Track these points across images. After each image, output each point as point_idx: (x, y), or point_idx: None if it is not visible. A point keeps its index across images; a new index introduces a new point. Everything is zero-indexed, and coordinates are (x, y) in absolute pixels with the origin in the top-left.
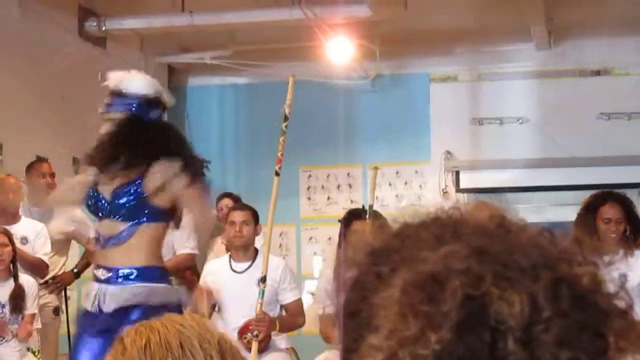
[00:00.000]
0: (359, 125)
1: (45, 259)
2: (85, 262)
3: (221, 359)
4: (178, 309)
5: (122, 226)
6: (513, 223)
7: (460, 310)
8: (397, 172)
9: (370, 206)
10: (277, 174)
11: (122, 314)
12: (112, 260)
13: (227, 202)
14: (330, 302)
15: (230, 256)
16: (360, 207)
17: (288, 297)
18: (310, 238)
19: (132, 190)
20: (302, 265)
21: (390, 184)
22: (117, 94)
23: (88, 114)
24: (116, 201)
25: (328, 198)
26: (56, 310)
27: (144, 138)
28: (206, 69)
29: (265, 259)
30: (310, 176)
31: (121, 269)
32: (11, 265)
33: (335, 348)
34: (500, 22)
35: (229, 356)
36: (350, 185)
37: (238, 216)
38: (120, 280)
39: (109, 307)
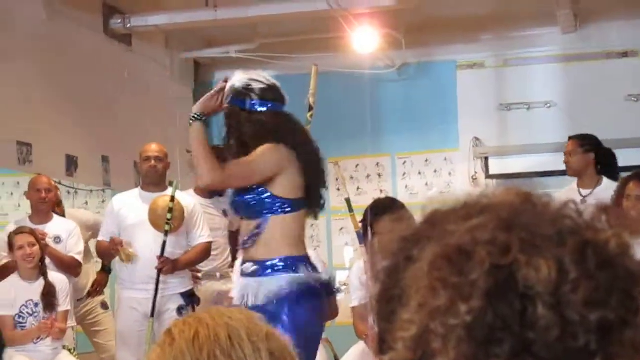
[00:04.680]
0: (387, 114)
1: (79, 257)
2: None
3: (269, 353)
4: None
5: (253, 223)
6: (539, 198)
7: (488, 278)
8: (426, 160)
9: (347, 199)
10: None
11: (273, 307)
12: (255, 254)
13: None
14: (364, 293)
15: None
16: (388, 196)
17: None
18: (341, 229)
19: (251, 187)
20: (333, 256)
21: (419, 173)
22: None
23: (115, 112)
24: (238, 199)
25: (357, 188)
26: (104, 305)
27: (243, 130)
28: (232, 63)
29: None
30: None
31: (267, 261)
32: (40, 264)
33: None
34: (525, 6)
35: (276, 350)
36: (379, 175)
37: None
38: (268, 272)
39: (257, 300)
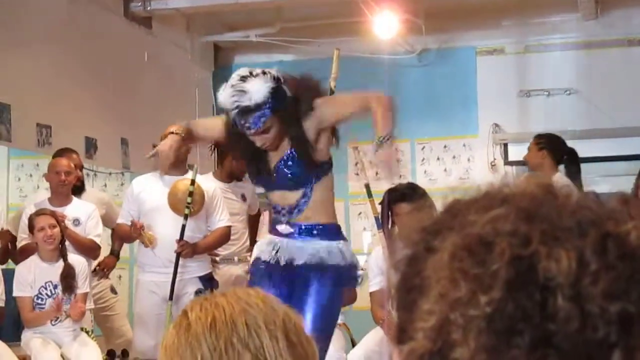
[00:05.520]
0: (406, 100)
1: (97, 240)
2: (119, 243)
3: (286, 340)
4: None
5: (296, 195)
6: (560, 189)
7: (509, 270)
8: (445, 146)
9: (367, 185)
10: None
11: (303, 269)
12: (296, 219)
13: None
14: (382, 278)
15: None
16: (406, 183)
17: None
18: (360, 213)
19: (292, 161)
20: (352, 241)
21: (438, 158)
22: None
23: (135, 94)
24: (282, 173)
25: (377, 173)
26: (113, 290)
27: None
28: (252, 47)
29: None
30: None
31: (305, 225)
32: (60, 246)
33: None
34: None
35: (293, 335)
36: (398, 160)
37: None
38: (303, 235)
39: (290, 260)
